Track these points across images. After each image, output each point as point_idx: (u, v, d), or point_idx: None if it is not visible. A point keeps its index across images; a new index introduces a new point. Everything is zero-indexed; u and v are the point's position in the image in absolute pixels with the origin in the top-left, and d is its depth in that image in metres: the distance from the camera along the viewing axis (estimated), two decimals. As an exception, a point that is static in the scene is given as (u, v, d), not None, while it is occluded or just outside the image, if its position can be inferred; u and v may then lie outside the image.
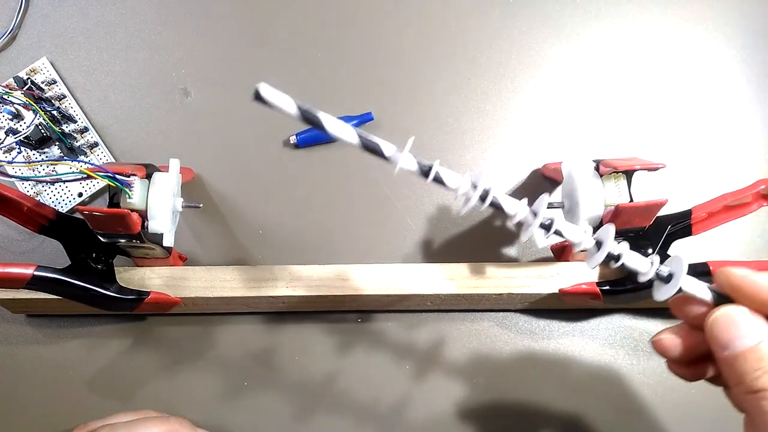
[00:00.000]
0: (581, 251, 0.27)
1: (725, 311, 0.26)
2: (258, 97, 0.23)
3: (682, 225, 0.40)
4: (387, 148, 0.26)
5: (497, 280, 0.40)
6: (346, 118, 0.46)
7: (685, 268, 0.26)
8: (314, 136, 0.46)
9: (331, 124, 0.24)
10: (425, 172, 0.26)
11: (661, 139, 0.47)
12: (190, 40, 0.49)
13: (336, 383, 0.42)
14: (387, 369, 0.43)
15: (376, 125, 0.47)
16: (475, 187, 0.26)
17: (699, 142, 0.47)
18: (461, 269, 0.41)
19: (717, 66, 0.48)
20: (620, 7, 0.49)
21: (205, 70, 0.48)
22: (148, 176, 0.36)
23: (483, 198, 0.26)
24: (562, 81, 0.48)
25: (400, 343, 0.43)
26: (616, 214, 0.34)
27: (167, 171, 0.37)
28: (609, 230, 0.27)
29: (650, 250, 0.39)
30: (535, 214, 0.27)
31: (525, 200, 0.28)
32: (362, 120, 0.46)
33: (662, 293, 0.27)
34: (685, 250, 0.42)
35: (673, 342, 0.29)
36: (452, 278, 0.40)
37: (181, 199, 0.39)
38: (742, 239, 0.45)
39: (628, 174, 0.36)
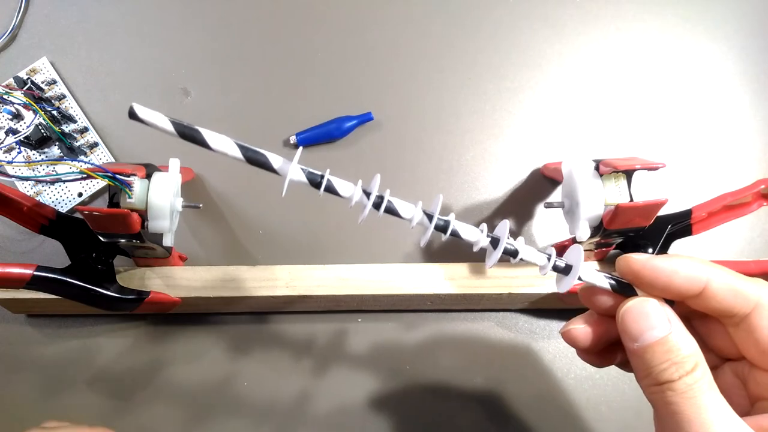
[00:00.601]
0: (479, 250, 0.27)
1: (635, 302, 0.26)
2: (132, 115, 0.22)
3: (682, 225, 0.40)
4: (274, 159, 0.24)
5: (497, 280, 0.40)
6: (346, 118, 0.46)
7: (582, 257, 0.26)
8: (314, 136, 0.46)
9: (212, 138, 0.23)
10: (316, 183, 0.24)
11: (661, 139, 0.47)
12: (190, 40, 0.49)
13: (336, 383, 0.42)
14: (387, 369, 0.43)
15: (376, 125, 0.47)
16: (368, 194, 0.25)
17: (699, 142, 0.47)
18: (461, 269, 0.41)
19: (717, 66, 0.48)
20: (620, 7, 0.49)
21: (205, 70, 0.48)
22: (148, 176, 0.36)
23: (377, 206, 0.26)
24: (562, 81, 0.48)
25: (400, 343, 0.43)
26: (616, 214, 0.34)
27: (167, 171, 0.37)
28: (504, 227, 0.26)
29: (650, 250, 0.39)
30: (429, 217, 0.27)
31: (419, 204, 0.27)
32: (362, 120, 0.46)
33: (563, 285, 0.27)
34: (685, 250, 0.42)
35: (583, 332, 0.28)
36: (452, 278, 0.40)
37: (181, 199, 0.39)
38: (742, 239, 0.45)
39: (628, 174, 0.36)
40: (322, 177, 0.24)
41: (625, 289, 0.26)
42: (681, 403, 0.24)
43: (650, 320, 0.25)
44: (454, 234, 0.26)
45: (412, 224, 0.26)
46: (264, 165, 0.24)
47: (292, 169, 0.24)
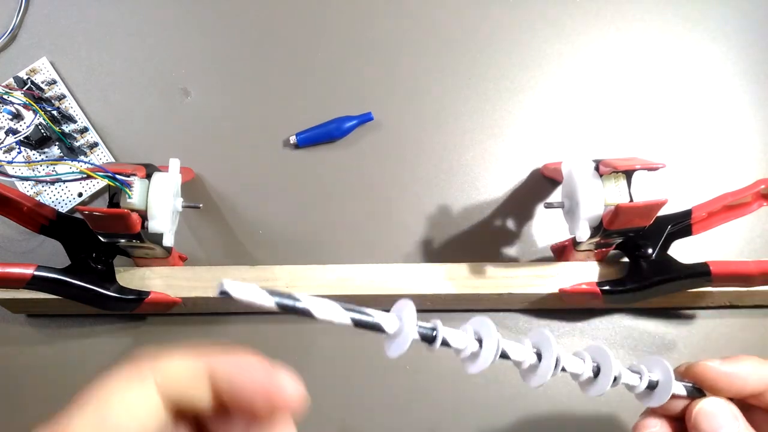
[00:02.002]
0: (526, 369, 0.27)
1: (707, 404, 0.27)
2: (224, 293, 0.18)
3: (682, 225, 0.40)
4: (388, 323, 0.23)
5: (497, 280, 0.40)
6: (346, 118, 0.46)
7: (673, 377, 0.27)
8: (314, 136, 0.46)
9: (319, 307, 0.20)
10: (430, 339, 0.24)
11: (661, 139, 0.47)
12: (190, 40, 0.49)
13: (336, 383, 0.42)
14: (387, 369, 0.43)
15: (376, 125, 0.47)
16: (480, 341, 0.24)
17: (699, 143, 0.47)
18: (461, 269, 0.41)
19: (717, 66, 0.48)
20: (620, 6, 0.49)
21: (205, 70, 0.48)
22: (148, 176, 0.36)
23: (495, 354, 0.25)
24: (562, 81, 0.48)
25: (400, 343, 0.43)
26: (616, 214, 0.34)
27: (167, 171, 0.37)
28: (606, 356, 0.27)
29: (650, 250, 0.39)
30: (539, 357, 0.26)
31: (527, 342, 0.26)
32: (362, 120, 0.46)
33: (652, 401, 0.28)
34: (685, 250, 0.42)
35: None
36: (452, 278, 0.40)
37: (181, 199, 0.39)
38: (742, 239, 0.45)
39: (628, 174, 0.36)
40: (435, 331, 0.24)
41: (696, 392, 0.28)
42: None
43: (720, 420, 0.27)
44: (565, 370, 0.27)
45: (524, 366, 0.27)
46: (377, 329, 0.22)
47: (409, 330, 0.23)
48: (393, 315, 0.23)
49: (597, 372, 0.27)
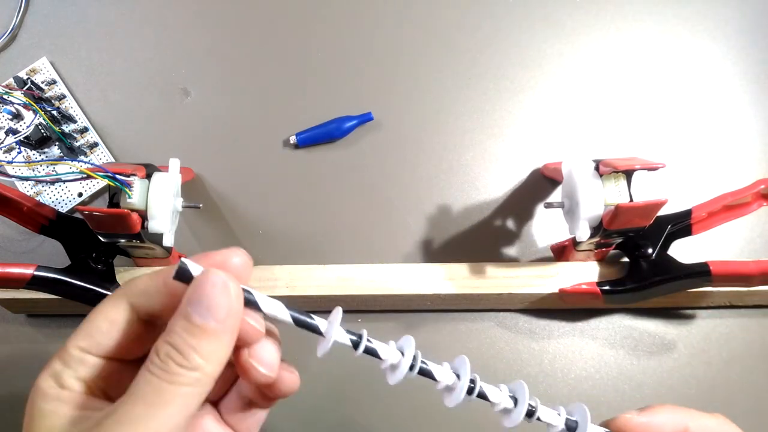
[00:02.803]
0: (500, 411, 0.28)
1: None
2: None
3: (682, 225, 0.40)
4: (323, 326, 0.26)
5: (497, 280, 0.40)
6: (346, 118, 0.46)
7: (589, 418, 0.28)
8: (314, 136, 0.46)
9: (266, 303, 0.24)
10: (356, 344, 0.26)
11: (661, 139, 0.47)
12: (190, 40, 0.49)
13: (336, 383, 0.42)
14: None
15: (376, 125, 0.47)
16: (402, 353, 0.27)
17: (699, 142, 0.47)
18: (461, 269, 0.41)
19: (717, 66, 0.48)
20: (620, 7, 0.49)
21: (205, 70, 0.48)
22: (148, 176, 0.36)
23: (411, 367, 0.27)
24: (562, 81, 0.48)
25: (400, 343, 0.43)
26: (616, 214, 0.34)
27: (167, 171, 0.37)
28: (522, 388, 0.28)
29: (650, 250, 0.39)
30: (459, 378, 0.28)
31: (445, 365, 0.28)
32: (362, 120, 0.46)
33: None
34: (685, 250, 0.42)
35: None
36: (452, 278, 0.40)
37: (181, 199, 0.39)
38: (742, 239, 0.45)
39: (628, 174, 0.36)
40: (360, 337, 0.26)
41: None
42: None
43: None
44: (481, 395, 0.28)
45: (438, 387, 0.28)
46: (312, 329, 0.26)
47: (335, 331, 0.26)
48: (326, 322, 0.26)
49: (515, 402, 0.29)
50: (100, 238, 0.37)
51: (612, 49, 0.49)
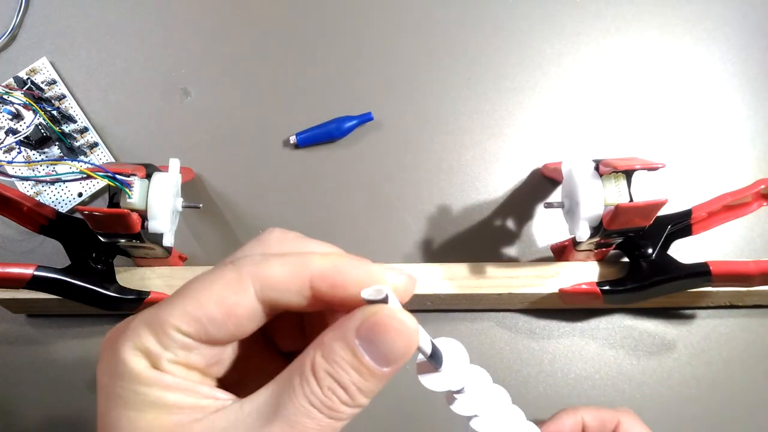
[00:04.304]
0: None
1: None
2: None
3: (682, 225, 0.40)
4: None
5: (497, 280, 0.40)
6: (346, 118, 0.46)
7: None
8: (314, 136, 0.46)
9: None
10: None
11: (661, 139, 0.47)
12: (190, 40, 0.49)
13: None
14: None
15: (376, 125, 0.47)
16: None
17: (699, 143, 0.47)
18: (461, 269, 0.41)
19: (717, 66, 0.48)
20: (620, 7, 0.49)
21: (205, 70, 0.48)
22: (148, 176, 0.36)
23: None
24: (562, 81, 0.48)
25: (400, 343, 0.43)
26: (616, 214, 0.34)
27: (167, 171, 0.37)
28: None
29: (650, 250, 0.39)
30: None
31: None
32: (362, 120, 0.46)
33: None
34: (685, 250, 0.42)
35: None
36: (452, 278, 0.40)
37: (181, 199, 0.39)
38: (742, 239, 0.45)
39: (628, 174, 0.36)
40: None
41: None
42: None
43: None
44: None
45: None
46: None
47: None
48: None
49: None
50: (100, 238, 0.37)
51: (612, 49, 0.49)
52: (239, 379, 0.21)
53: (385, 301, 0.20)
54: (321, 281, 0.21)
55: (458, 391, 0.26)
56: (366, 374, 0.20)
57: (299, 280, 0.21)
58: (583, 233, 0.36)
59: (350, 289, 0.21)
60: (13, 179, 0.43)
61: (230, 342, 0.22)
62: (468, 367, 0.24)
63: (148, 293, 0.39)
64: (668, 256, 0.39)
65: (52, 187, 0.45)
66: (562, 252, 0.42)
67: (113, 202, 0.36)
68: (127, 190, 0.35)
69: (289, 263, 0.21)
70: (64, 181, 0.45)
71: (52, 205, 0.42)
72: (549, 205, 0.39)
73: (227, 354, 0.22)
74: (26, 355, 0.43)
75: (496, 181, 0.46)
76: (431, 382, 0.24)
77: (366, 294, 0.20)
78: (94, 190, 0.45)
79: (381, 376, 0.20)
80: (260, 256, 0.21)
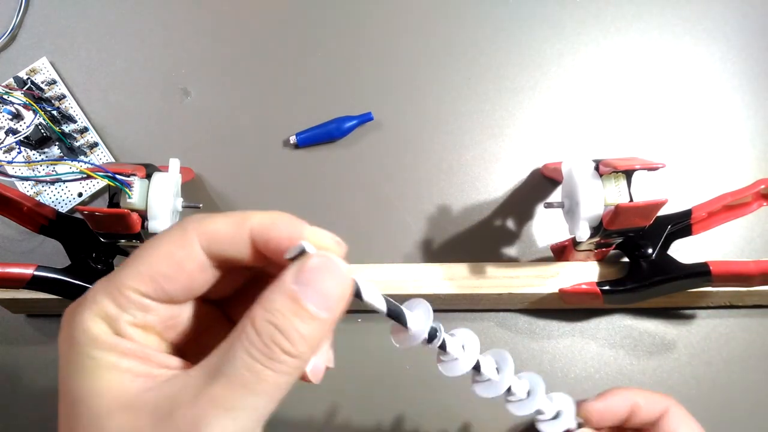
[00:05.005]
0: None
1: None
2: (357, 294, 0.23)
3: (682, 225, 0.40)
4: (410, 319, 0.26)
5: (497, 280, 0.40)
6: (346, 118, 0.46)
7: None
8: (314, 136, 0.46)
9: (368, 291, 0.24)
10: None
11: (661, 139, 0.47)
12: (190, 40, 0.49)
13: (336, 384, 0.42)
14: (387, 369, 0.43)
15: (376, 125, 0.47)
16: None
17: (699, 143, 0.47)
18: (461, 269, 0.41)
19: (717, 66, 0.48)
20: (620, 7, 0.49)
21: (205, 70, 0.48)
22: (148, 176, 0.36)
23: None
24: (561, 81, 0.48)
25: (400, 343, 0.43)
26: (615, 214, 0.34)
27: (167, 171, 0.37)
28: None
29: (650, 250, 0.39)
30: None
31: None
32: (362, 120, 0.46)
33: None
34: (685, 250, 0.42)
35: None
36: (452, 278, 0.40)
37: (181, 199, 0.39)
38: (742, 239, 0.45)
39: (628, 174, 0.36)
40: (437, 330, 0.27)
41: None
42: None
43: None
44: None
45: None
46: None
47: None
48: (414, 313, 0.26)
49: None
50: (100, 238, 0.37)
51: (612, 49, 0.49)
52: (199, 353, 0.21)
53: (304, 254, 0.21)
54: (259, 234, 0.22)
55: (444, 353, 0.28)
56: (306, 317, 0.20)
57: (240, 233, 0.22)
58: (583, 233, 0.36)
59: (285, 242, 0.22)
60: (13, 179, 0.43)
61: (186, 299, 0.23)
62: (430, 319, 0.26)
63: (148, 293, 0.39)
64: (668, 256, 0.39)
65: (52, 187, 0.45)
66: (562, 252, 0.42)
67: (113, 202, 0.36)
68: (127, 190, 0.35)
69: (230, 217, 0.22)
70: (64, 181, 0.45)
71: (52, 205, 0.42)
72: (549, 205, 0.39)
73: (184, 320, 0.23)
74: (26, 355, 0.43)
75: (496, 181, 0.46)
76: (402, 341, 0.26)
77: (289, 253, 0.21)
78: (94, 190, 0.45)
79: (321, 322, 0.20)
80: (204, 215, 0.22)
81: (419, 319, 0.26)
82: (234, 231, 0.22)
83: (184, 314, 0.23)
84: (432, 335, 0.26)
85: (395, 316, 0.25)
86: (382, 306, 0.24)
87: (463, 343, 0.29)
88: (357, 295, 0.23)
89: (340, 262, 0.21)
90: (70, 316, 0.22)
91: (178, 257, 0.21)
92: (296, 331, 0.20)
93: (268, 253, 0.22)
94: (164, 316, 0.22)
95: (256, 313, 0.20)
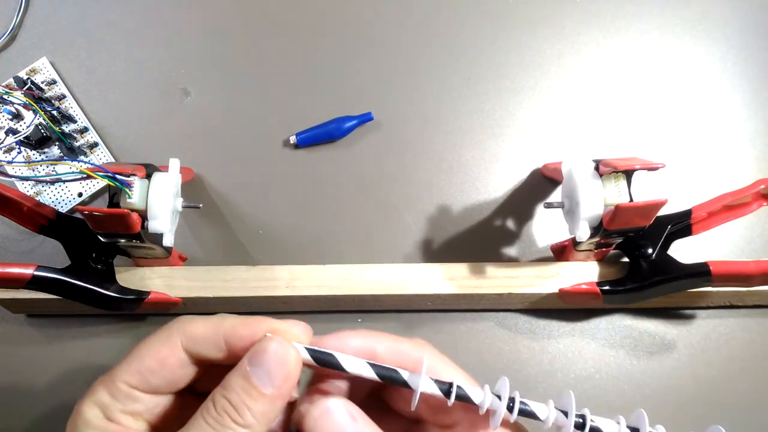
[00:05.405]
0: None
1: (322, 411, 0.26)
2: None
3: (682, 225, 0.40)
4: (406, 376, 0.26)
5: (497, 280, 0.40)
6: (346, 118, 0.46)
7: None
8: (314, 136, 0.46)
9: (346, 361, 0.26)
10: (446, 392, 0.26)
11: (661, 139, 0.47)
12: (190, 40, 0.49)
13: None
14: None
15: (376, 125, 0.47)
16: (499, 398, 0.26)
17: (699, 143, 0.47)
18: (461, 269, 0.41)
19: (717, 66, 0.48)
20: (620, 7, 0.49)
21: (205, 70, 0.48)
22: (148, 176, 0.36)
23: (510, 409, 0.26)
24: (561, 81, 0.48)
25: (400, 343, 0.43)
26: (615, 214, 0.34)
27: (167, 171, 0.37)
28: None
29: (650, 250, 0.39)
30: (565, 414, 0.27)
31: (550, 404, 0.27)
32: (362, 120, 0.46)
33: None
34: (685, 250, 0.42)
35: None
36: (452, 278, 0.40)
37: (181, 199, 0.39)
38: (742, 239, 0.45)
39: (628, 174, 0.36)
40: (451, 386, 0.26)
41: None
42: None
43: (336, 419, 0.26)
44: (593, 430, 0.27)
45: (547, 425, 0.27)
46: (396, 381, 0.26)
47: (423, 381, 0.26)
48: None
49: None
50: (100, 238, 0.37)
51: (612, 49, 0.49)
52: None
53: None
54: (231, 335, 0.26)
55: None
56: (255, 394, 0.24)
57: (215, 334, 0.26)
58: (583, 233, 0.36)
59: (248, 339, 0.25)
60: (13, 179, 0.43)
61: (169, 390, 0.27)
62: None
63: (148, 293, 0.39)
64: (668, 256, 0.39)
65: (52, 187, 0.45)
66: (562, 252, 0.42)
67: (113, 202, 0.36)
68: (127, 190, 0.35)
69: (209, 321, 0.26)
70: (64, 181, 0.45)
71: (52, 205, 0.42)
72: (549, 205, 0.40)
73: (170, 409, 0.27)
74: (26, 355, 0.43)
75: (496, 181, 0.46)
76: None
77: None
78: (94, 190, 0.45)
79: (269, 398, 0.24)
80: (189, 318, 0.26)
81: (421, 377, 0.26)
82: (211, 333, 0.26)
83: (169, 404, 0.27)
84: (444, 391, 0.26)
85: (390, 380, 0.26)
86: (371, 374, 0.25)
87: (497, 391, 0.27)
88: (336, 367, 0.25)
89: (285, 344, 0.25)
90: (77, 404, 0.26)
91: (162, 354, 0.26)
92: (244, 405, 0.24)
93: (239, 351, 0.26)
94: (150, 405, 0.26)
95: (216, 390, 0.25)
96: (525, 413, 0.26)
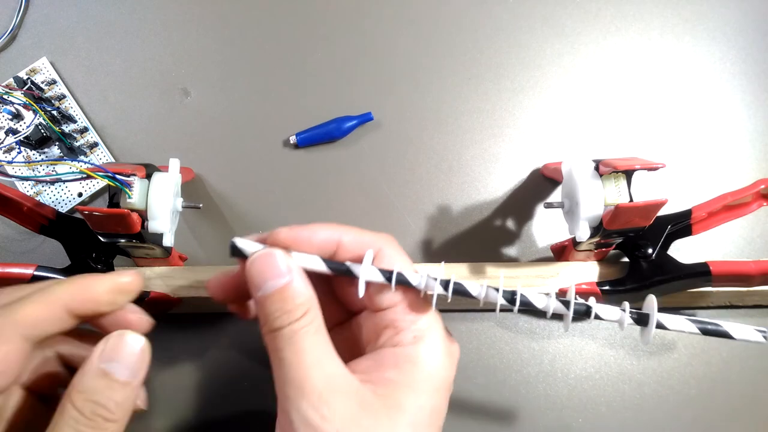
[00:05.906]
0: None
1: (261, 253, 0.27)
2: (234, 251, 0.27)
3: (682, 225, 0.40)
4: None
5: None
6: (346, 118, 0.46)
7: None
8: (314, 136, 0.46)
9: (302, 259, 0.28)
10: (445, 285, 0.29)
11: (661, 139, 0.47)
12: (190, 40, 0.49)
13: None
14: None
15: (376, 125, 0.47)
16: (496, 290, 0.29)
17: (699, 143, 0.47)
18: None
19: (717, 66, 0.48)
20: (620, 6, 0.49)
21: (205, 70, 0.48)
22: (148, 176, 0.36)
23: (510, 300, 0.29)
24: (561, 81, 0.48)
25: (400, 343, 0.43)
26: (615, 214, 0.34)
27: (167, 171, 0.37)
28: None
29: (650, 250, 0.39)
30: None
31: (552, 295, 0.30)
32: (362, 120, 0.46)
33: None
34: (685, 250, 0.42)
35: (220, 282, 0.31)
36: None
37: (181, 199, 0.39)
38: (742, 239, 0.45)
39: (628, 174, 0.36)
40: (392, 273, 0.29)
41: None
42: (285, 349, 0.26)
43: (272, 270, 0.27)
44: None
45: (548, 314, 0.30)
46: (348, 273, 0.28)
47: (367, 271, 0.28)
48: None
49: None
50: (100, 238, 0.37)
51: (612, 49, 0.49)
52: None
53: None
54: (72, 303, 0.26)
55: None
56: (117, 387, 0.25)
57: (54, 312, 0.26)
58: (583, 233, 0.36)
59: (101, 300, 0.27)
60: (13, 179, 0.43)
61: (15, 381, 0.27)
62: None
63: (148, 293, 0.39)
64: (668, 256, 0.39)
65: (52, 187, 0.45)
66: (562, 252, 0.42)
67: (113, 202, 0.36)
68: (127, 190, 0.35)
69: (43, 301, 0.26)
70: (64, 181, 0.45)
71: (52, 205, 0.42)
72: (549, 205, 0.40)
73: (10, 410, 0.27)
74: (26, 355, 0.43)
75: (496, 181, 0.46)
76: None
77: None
78: (94, 190, 0.45)
79: (132, 386, 0.25)
80: (16, 304, 0.26)
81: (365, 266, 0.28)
82: (48, 312, 0.26)
83: (9, 403, 0.27)
84: (387, 277, 0.28)
85: (339, 271, 0.28)
86: (323, 267, 0.27)
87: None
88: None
89: (137, 336, 0.26)
90: None
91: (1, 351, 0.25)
92: (112, 401, 0.24)
93: (85, 315, 0.27)
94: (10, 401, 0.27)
95: (75, 397, 0.24)
96: (459, 292, 0.30)
